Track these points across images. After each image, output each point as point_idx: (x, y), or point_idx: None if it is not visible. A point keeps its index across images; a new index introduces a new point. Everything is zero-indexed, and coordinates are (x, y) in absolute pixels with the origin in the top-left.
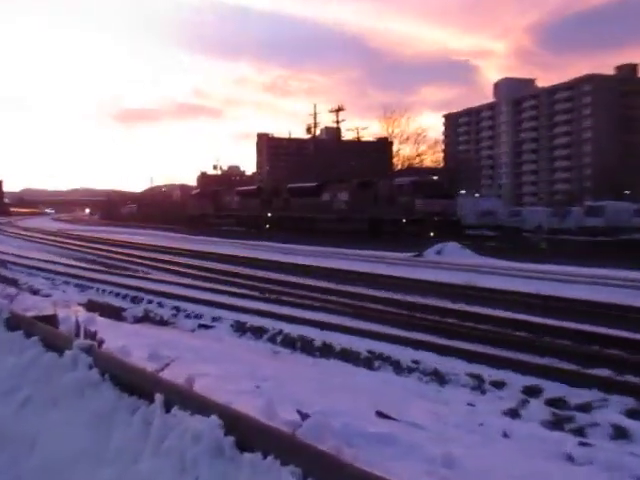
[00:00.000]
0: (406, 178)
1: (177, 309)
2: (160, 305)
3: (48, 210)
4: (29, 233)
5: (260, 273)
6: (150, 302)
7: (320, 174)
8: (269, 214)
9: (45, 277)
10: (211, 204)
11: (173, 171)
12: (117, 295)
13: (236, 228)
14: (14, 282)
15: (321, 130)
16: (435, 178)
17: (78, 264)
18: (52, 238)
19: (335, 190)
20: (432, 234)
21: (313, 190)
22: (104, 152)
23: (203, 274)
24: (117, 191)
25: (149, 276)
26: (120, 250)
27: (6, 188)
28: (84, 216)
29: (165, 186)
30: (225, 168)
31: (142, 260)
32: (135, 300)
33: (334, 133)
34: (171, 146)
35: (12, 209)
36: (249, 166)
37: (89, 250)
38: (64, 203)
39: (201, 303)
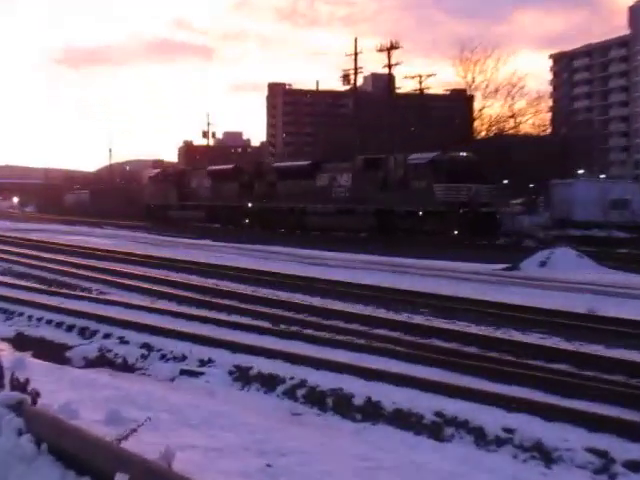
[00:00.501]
0: (423, 155)
1: (148, 346)
2: (123, 341)
3: None
4: None
5: (264, 291)
6: (108, 336)
7: (363, 144)
8: (249, 204)
9: None
10: (175, 190)
11: (143, 141)
12: (59, 325)
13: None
14: None
15: (365, 78)
16: (464, 154)
17: (2, 280)
18: None
19: (334, 171)
20: (456, 232)
21: (305, 171)
22: (42, 114)
23: (184, 294)
24: (61, 171)
25: (106, 297)
26: (64, 258)
27: None
28: (10, 207)
29: (130, 163)
30: (220, 136)
31: (95, 273)
32: (85, 333)
33: (384, 83)
34: (141, 103)
35: None
36: (256, 133)
37: (18, 259)
38: None
39: (184, 338)
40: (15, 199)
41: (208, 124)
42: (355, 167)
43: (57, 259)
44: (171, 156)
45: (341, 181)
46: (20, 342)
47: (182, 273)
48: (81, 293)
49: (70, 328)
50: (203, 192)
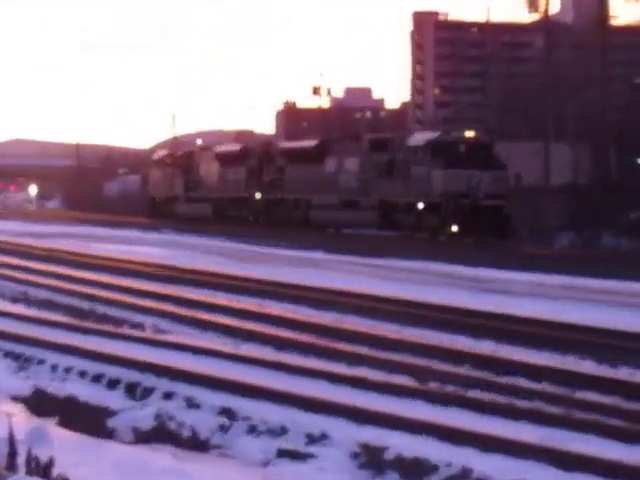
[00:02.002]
0: (424, 135)
1: (229, 413)
2: (192, 404)
3: None
4: None
5: (415, 332)
6: (169, 396)
7: (560, 106)
8: (257, 194)
9: None
10: (181, 178)
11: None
12: (96, 380)
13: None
14: None
15: (562, 2)
16: (471, 134)
17: (15, 310)
18: None
19: (342, 153)
20: (454, 229)
21: (311, 153)
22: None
23: (285, 334)
24: (101, 148)
25: (167, 337)
26: (103, 278)
27: None
28: (25, 202)
29: (204, 135)
30: (339, 95)
31: (150, 301)
32: (136, 392)
33: (592, 9)
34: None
35: None
36: (394, 90)
37: (37, 279)
38: None
39: (283, 400)
40: (32, 189)
41: (320, 74)
42: (362, 149)
43: (93, 279)
44: (267, 126)
45: (348, 166)
46: (40, 403)
47: (280, 302)
48: (130, 331)
49: (113, 384)
50: (210, 180)
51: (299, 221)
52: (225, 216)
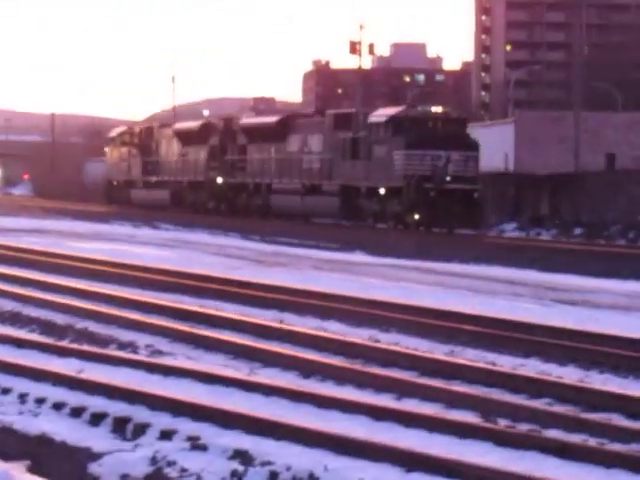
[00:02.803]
0: (385, 110)
1: (243, 456)
2: (196, 444)
3: None
4: None
5: (439, 349)
6: (167, 435)
7: None
8: (218, 179)
9: None
10: (139, 159)
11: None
12: (76, 413)
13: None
14: None
15: None
16: (439, 110)
17: None
18: None
19: (306, 130)
20: (416, 217)
21: (273, 130)
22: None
23: (311, 357)
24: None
25: (164, 360)
26: (84, 286)
27: None
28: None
29: (211, 103)
30: (385, 52)
31: (143, 315)
32: (126, 429)
33: None
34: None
35: None
36: (454, 47)
37: (3, 287)
38: None
39: (312, 440)
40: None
41: (360, 30)
42: (326, 126)
43: (72, 287)
44: (293, 92)
45: (311, 146)
46: (6, 443)
47: (305, 316)
48: (118, 352)
49: (97, 418)
50: (169, 162)
51: (259, 209)
52: (184, 203)
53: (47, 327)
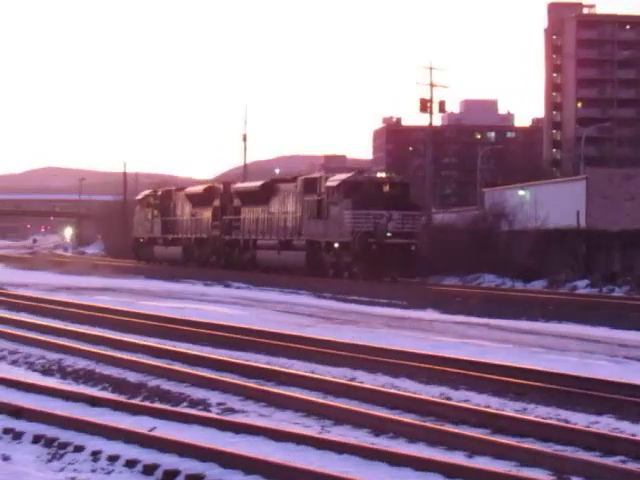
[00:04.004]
0: (340, 175)
1: None
2: None
3: None
4: None
5: (509, 406)
6: None
7: None
8: (219, 235)
9: None
10: (160, 219)
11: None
12: (148, 472)
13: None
14: None
15: None
16: (384, 175)
17: (48, 384)
18: None
19: (284, 194)
20: (356, 269)
21: (258, 194)
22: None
23: (389, 416)
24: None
25: (237, 418)
26: (155, 343)
27: None
28: (57, 247)
29: (281, 161)
30: (455, 109)
31: (215, 373)
32: None
33: None
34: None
35: None
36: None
37: (74, 345)
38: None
39: None
40: (67, 232)
41: (430, 87)
42: (298, 190)
43: (144, 344)
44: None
45: (288, 206)
46: None
47: (375, 373)
48: (190, 410)
49: (170, 476)
50: (183, 221)
51: (248, 263)
52: (192, 259)
53: (120, 385)
